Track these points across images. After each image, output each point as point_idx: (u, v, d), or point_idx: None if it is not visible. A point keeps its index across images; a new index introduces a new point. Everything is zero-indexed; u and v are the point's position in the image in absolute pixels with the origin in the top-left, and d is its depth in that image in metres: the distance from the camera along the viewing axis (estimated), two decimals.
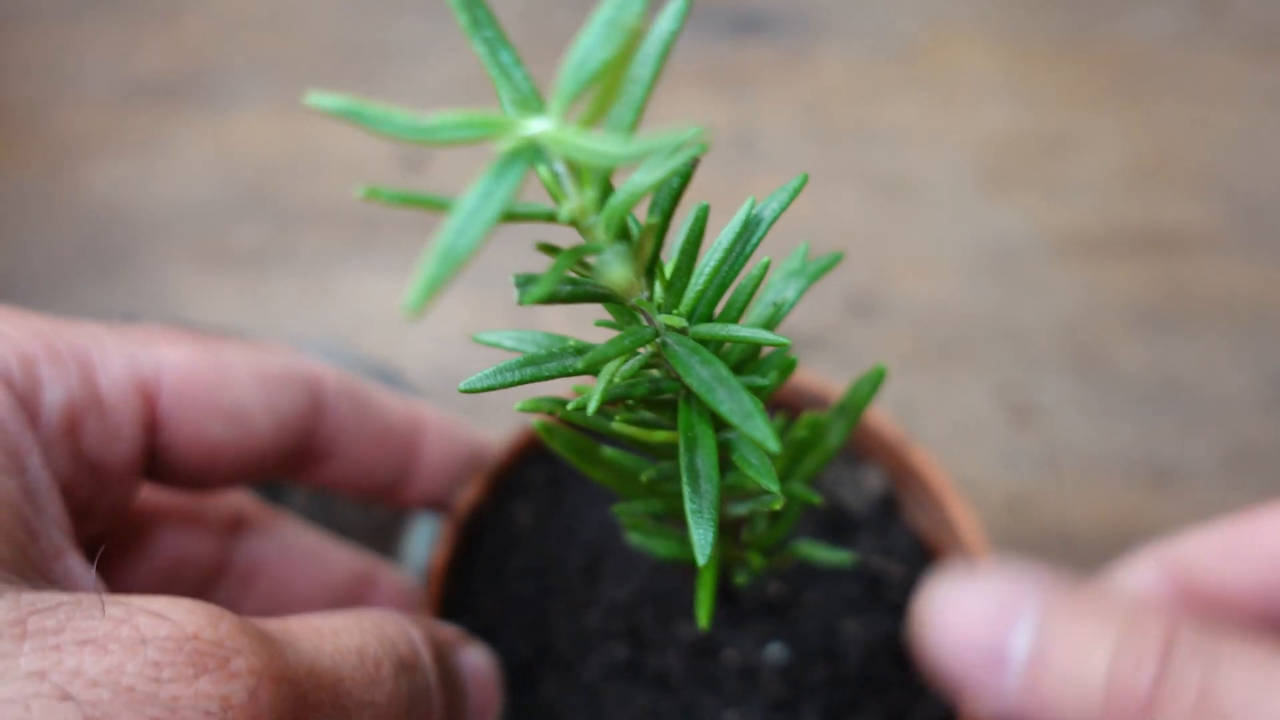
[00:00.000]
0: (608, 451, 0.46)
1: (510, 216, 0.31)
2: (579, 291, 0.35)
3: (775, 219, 0.37)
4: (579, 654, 0.57)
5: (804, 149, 1.02)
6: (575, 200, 0.31)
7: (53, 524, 0.42)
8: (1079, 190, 0.99)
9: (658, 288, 0.36)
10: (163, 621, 0.36)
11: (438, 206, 0.29)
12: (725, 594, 0.57)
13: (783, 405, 0.62)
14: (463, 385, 0.37)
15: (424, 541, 0.72)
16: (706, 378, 0.36)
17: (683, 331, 0.37)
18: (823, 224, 0.97)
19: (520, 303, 0.32)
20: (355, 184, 1.08)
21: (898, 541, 0.60)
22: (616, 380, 0.37)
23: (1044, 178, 1.00)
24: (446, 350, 0.92)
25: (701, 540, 0.38)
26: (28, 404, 0.43)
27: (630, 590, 0.58)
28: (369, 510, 0.72)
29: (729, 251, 0.37)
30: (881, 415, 0.61)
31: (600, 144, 0.27)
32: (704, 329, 0.37)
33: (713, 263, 0.37)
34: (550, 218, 0.32)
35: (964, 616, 0.51)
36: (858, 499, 0.61)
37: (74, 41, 1.09)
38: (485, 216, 0.27)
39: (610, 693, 0.56)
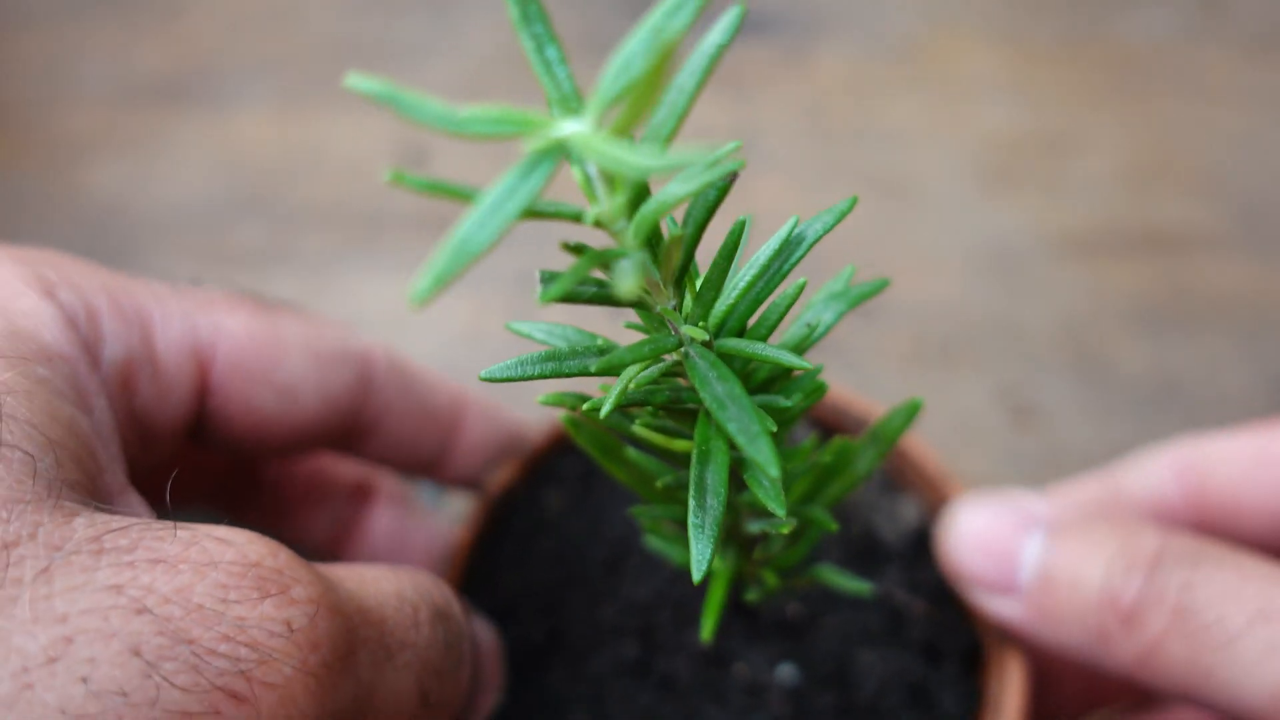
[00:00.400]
0: (630, 452, 0.46)
1: (533, 214, 0.31)
2: (602, 294, 0.34)
3: (818, 239, 0.36)
4: (590, 646, 0.57)
5: (804, 149, 1.02)
6: (605, 204, 0.30)
7: (116, 463, 0.43)
8: (1080, 190, 0.99)
9: (687, 298, 0.36)
10: (228, 546, 0.37)
11: (461, 196, 0.29)
12: (743, 608, 0.56)
13: (821, 423, 0.61)
14: (483, 374, 0.38)
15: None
16: (720, 394, 0.36)
17: (707, 345, 0.36)
18: None
19: (540, 300, 0.32)
20: (355, 184, 1.07)
21: (926, 577, 0.58)
22: (634, 386, 0.37)
23: (1044, 178, 1.00)
24: (447, 350, 0.92)
25: (699, 555, 0.38)
26: (91, 354, 0.44)
27: (649, 590, 0.58)
28: None
29: (765, 268, 0.36)
30: (925, 446, 0.59)
31: (630, 153, 0.27)
32: (729, 344, 0.37)
33: (747, 278, 0.36)
34: (576, 218, 0.32)
35: (985, 528, 0.54)
36: (892, 529, 0.60)
37: (74, 41, 1.08)
38: (506, 212, 0.27)
39: (615, 689, 0.56)
